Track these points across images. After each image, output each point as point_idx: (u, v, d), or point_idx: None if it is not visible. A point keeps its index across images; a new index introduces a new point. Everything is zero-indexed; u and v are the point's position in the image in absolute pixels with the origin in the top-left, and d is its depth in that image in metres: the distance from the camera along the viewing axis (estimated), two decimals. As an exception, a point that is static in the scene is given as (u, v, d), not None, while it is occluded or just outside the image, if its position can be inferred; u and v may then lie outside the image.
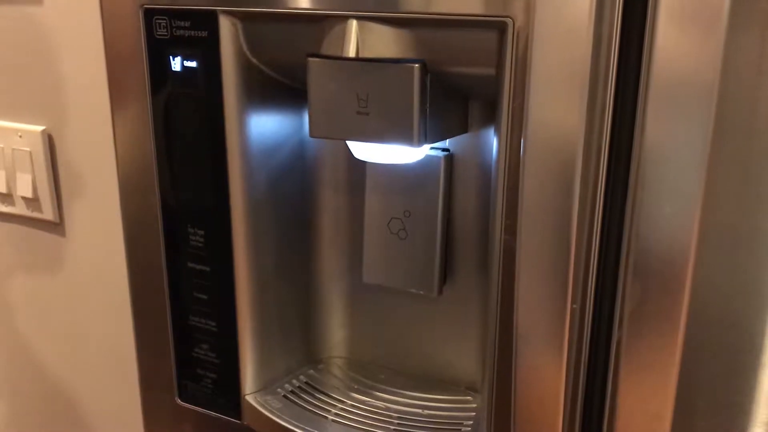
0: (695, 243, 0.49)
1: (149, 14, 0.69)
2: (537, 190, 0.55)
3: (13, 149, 0.99)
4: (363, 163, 0.75)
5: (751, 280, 0.52)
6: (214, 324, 0.77)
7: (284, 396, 0.78)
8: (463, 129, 0.70)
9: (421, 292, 0.75)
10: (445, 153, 0.72)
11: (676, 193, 0.49)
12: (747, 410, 0.54)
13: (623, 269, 0.53)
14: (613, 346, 0.55)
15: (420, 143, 0.63)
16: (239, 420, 0.77)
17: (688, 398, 0.54)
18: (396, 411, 0.77)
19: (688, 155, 0.48)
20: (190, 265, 0.76)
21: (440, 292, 0.75)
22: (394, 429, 0.74)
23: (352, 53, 0.60)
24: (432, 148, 0.72)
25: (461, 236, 0.75)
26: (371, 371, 0.82)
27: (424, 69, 0.60)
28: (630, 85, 0.52)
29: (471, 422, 0.73)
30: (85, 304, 1.03)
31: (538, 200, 0.55)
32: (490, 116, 0.67)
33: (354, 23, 0.60)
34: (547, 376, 0.58)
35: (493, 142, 0.61)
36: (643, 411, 0.54)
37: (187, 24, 0.67)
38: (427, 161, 0.71)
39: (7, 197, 1.03)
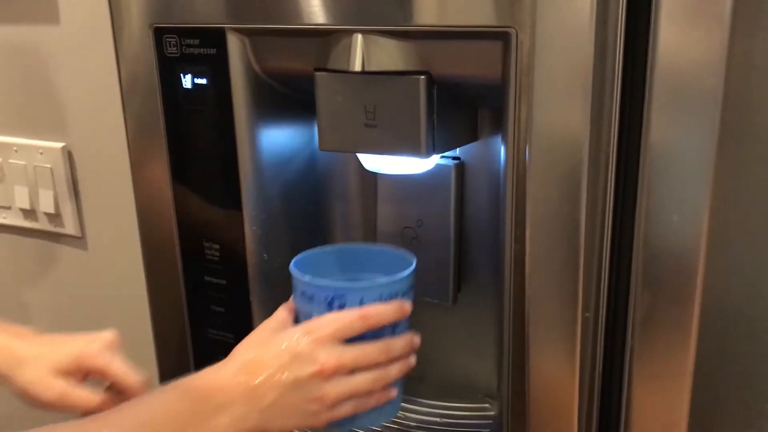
0: (704, 250, 0.49)
1: (159, 33, 0.70)
2: (543, 199, 0.54)
3: (35, 166, 1.01)
4: (374, 174, 0.75)
5: (764, 286, 0.51)
6: (232, 336, 0.77)
7: (302, 406, 0.78)
8: (473, 137, 0.70)
9: (436, 301, 0.75)
10: (456, 162, 0.72)
11: (682, 200, 0.49)
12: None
13: (633, 278, 0.53)
14: (627, 355, 0.55)
15: (428, 153, 0.63)
16: None
17: (704, 407, 0.53)
18: (413, 419, 0.77)
19: (693, 162, 0.48)
20: (207, 278, 0.77)
21: (455, 300, 0.75)
22: (411, 438, 0.74)
23: (358, 67, 0.60)
24: (442, 156, 0.72)
25: (475, 244, 0.75)
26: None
27: (430, 80, 0.60)
28: (638, 91, 0.52)
29: (488, 430, 0.73)
30: (107, 316, 1.04)
31: (545, 209, 0.54)
32: (500, 124, 0.67)
33: (359, 37, 0.60)
34: (560, 386, 0.58)
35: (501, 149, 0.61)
36: (657, 420, 0.54)
37: (196, 42, 0.68)
38: (438, 170, 0.71)
39: (31, 213, 1.05)
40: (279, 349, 0.59)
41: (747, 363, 0.52)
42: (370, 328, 0.60)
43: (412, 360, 0.64)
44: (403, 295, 0.63)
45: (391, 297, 0.62)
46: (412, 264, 0.64)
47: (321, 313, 0.61)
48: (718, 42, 0.46)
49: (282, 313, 0.65)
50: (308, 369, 0.57)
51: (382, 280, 0.62)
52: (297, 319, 0.64)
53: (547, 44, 0.52)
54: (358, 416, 0.62)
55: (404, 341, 0.63)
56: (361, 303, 0.61)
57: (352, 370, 0.59)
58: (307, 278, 0.63)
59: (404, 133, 0.62)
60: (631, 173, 0.53)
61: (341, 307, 0.61)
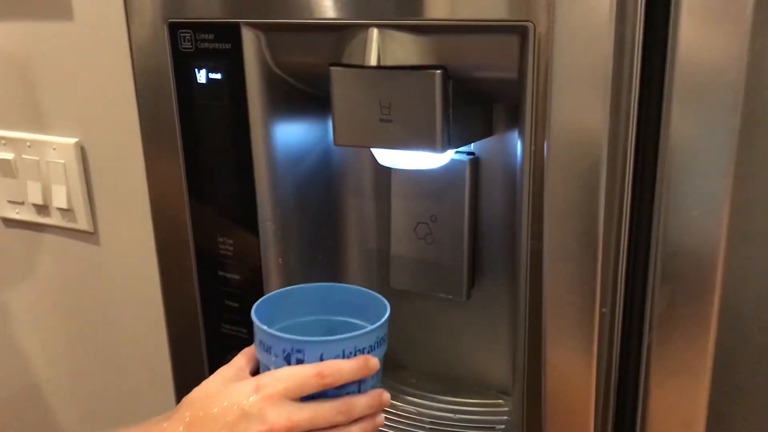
0: (724, 245, 0.48)
1: (174, 28, 0.70)
2: (561, 195, 0.54)
3: (48, 162, 1.01)
4: (388, 169, 0.75)
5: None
6: (245, 331, 0.78)
7: (316, 402, 0.78)
8: (488, 132, 0.70)
9: (450, 297, 0.75)
10: (471, 157, 0.72)
11: (703, 195, 0.48)
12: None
13: (652, 273, 0.52)
14: (644, 351, 0.55)
15: (443, 149, 0.63)
16: (272, 426, 0.78)
17: (723, 404, 0.53)
18: (428, 415, 0.77)
19: (713, 157, 0.48)
20: (221, 273, 0.77)
21: (469, 296, 0.75)
22: (425, 434, 0.74)
23: (373, 62, 0.60)
24: (457, 152, 0.72)
25: (489, 240, 0.74)
26: (402, 376, 0.82)
27: (446, 75, 0.60)
28: (655, 86, 0.51)
29: (503, 426, 0.73)
30: (120, 311, 1.05)
31: (563, 204, 0.54)
32: (516, 119, 0.67)
33: (375, 32, 0.60)
34: (576, 382, 0.57)
35: (517, 145, 0.61)
36: (674, 416, 0.53)
37: (211, 37, 0.68)
38: (453, 165, 0.71)
39: (44, 208, 1.05)
40: (226, 405, 0.55)
41: (766, 360, 0.52)
42: (327, 387, 0.56)
43: (380, 419, 0.60)
44: (370, 349, 0.58)
45: (355, 352, 0.57)
46: (384, 314, 0.60)
47: (278, 366, 0.57)
48: (739, 37, 0.46)
49: (240, 360, 0.61)
50: (256, 428, 0.54)
51: (345, 335, 0.58)
52: (259, 369, 0.61)
53: (566, 38, 0.51)
54: None
55: (369, 399, 0.58)
56: (321, 359, 0.56)
57: (308, 431, 0.55)
58: (264, 327, 0.58)
59: (419, 128, 0.62)
60: (650, 168, 0.53)
61: (299, 361, 0.56)
